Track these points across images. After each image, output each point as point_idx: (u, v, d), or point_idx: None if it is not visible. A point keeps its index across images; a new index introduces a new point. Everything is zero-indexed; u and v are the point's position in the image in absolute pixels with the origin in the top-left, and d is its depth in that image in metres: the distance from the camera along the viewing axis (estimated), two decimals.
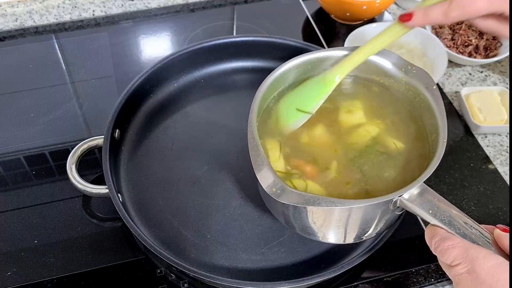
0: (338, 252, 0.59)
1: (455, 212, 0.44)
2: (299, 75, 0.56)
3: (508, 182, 0.69)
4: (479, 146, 0.74)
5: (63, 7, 0.93)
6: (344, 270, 0.54)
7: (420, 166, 0.49)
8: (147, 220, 0.61)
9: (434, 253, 0.44)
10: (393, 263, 0.61)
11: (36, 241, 0.62)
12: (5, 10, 0.92)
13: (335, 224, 0.50)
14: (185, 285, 0.58)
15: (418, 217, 0.64)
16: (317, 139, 0.53)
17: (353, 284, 0.59)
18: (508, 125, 0.74)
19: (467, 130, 0.76)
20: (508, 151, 0.74)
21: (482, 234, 0.42)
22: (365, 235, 0.52)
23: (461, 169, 0.71)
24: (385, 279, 0.59)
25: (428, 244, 0.44)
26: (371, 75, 0.56)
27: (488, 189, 0.68)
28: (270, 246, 0.60)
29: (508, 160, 0.72)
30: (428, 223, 0.45)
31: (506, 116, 0.74)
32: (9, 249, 0.61)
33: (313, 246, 0.60)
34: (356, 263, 0.54)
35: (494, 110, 0.75)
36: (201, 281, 0.57)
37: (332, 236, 0.52)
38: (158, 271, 0.59)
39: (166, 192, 0.64)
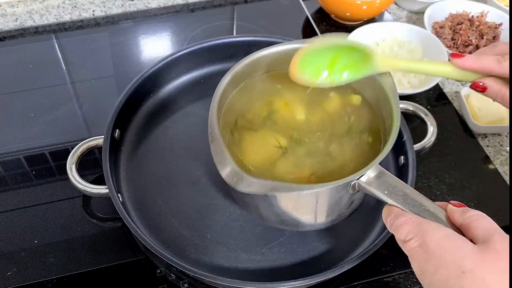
0: (337, 252, 0.59)
1: (409, 191, 0.45)
2: (263, 69, 0.57)
3: (508, 182, 0.69)
4: (479, 146, 0.74)
5: (63, 7, 0.93)
6: (344, 270, 0.54)
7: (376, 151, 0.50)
8: (147, 220, 0.61)
9: (390, 231, 0.45)
10: (393, 263, 0.61)
11: (36, 241, 0.62)
12: (5, 10, 0.92)
13: (299, 210, 0.51)
14: (185, 285, 0.58)
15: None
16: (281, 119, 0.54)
17: (353, 284, 0.59)
18: (507, 125, 0.74)
19: (467, 130, 0.76)
20: (508, 151, 0.74)
21: (436, 210, 0.44)
22: (331, 219, 0.53)
23: (461, 169, 0.71)
24: (385, 279, 0.59)
25: (384, 223, 0.45)
26: None
27: (488, 189, 0.68)
28: (270, 247, 0.60)
29: (508, 160, 0.72)
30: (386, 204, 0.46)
31: (506, 116, 0.74)
32: (9, 249, 0.61)
33: (313, 246, 0.60)
34: (355, 263, 0.54)
35: (494, 110, 0.75)
36: (201, 281, 0.57)
37: (299, 222, 0.53)
38: (158, 271, 0.59)
39: (166, 192, 0.64)
